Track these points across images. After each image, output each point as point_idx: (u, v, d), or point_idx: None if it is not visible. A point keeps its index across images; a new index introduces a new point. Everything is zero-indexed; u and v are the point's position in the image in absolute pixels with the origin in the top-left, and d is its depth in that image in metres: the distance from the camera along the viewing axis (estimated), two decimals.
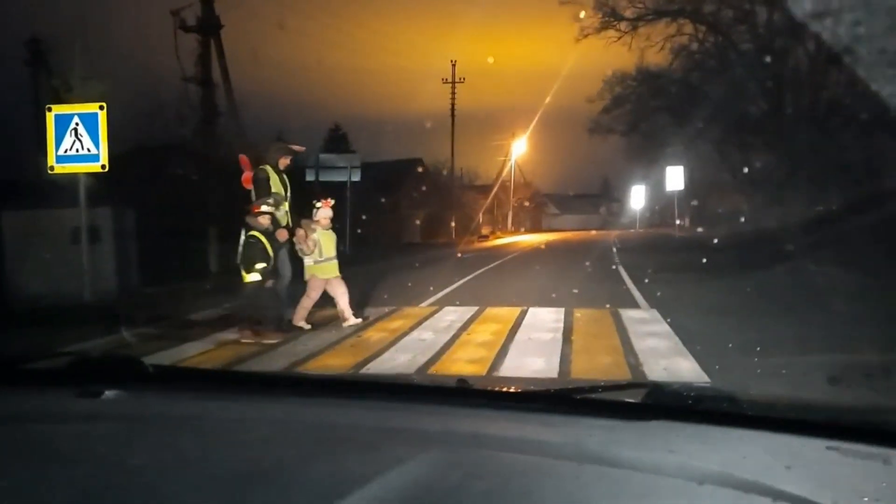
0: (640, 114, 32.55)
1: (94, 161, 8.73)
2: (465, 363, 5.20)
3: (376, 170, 27.83)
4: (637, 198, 50.76)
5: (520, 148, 48.14)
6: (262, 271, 6.19)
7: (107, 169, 8.75)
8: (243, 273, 6.27)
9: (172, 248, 12.41)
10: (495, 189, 45.23)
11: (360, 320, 6.94)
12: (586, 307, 7.87)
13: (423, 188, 34.37)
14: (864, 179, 22.11)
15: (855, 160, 24.18)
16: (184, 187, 16.54)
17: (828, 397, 3.90)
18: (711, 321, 6.66)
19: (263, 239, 6.23)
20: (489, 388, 1.51)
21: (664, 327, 6.44)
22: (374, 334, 6.42)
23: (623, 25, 27.58)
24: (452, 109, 39.69)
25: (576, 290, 9.47)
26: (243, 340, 6.11)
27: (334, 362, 5.40)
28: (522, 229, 52.77)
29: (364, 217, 19.71)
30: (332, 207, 6.99)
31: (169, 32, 17.03)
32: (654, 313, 7.29)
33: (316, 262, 6.82)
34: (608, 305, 7.85)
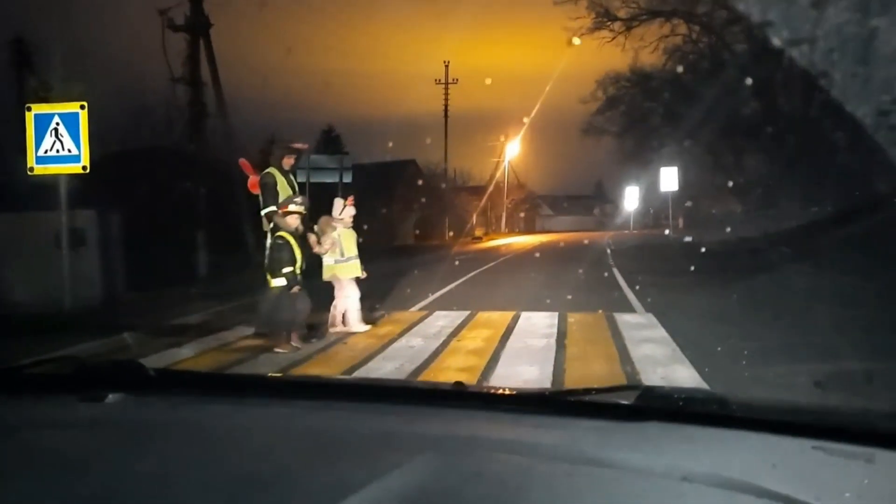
0: (633, 115, 32.47)
1: (74, 162, 8.48)
2: (454, 372, 5.00)
3: (369, 171, 27.61)
4: (631, 199, 50.64)
5: (513, 149, 47.96)
6: (288, 275, 5.79)
7: (87, 170, 8.50)
8: (268, 277, 5.91)
9: (160, 253, 12.18)
10: (489, 190, 45.06)
11: (368, 327, 6.70)
12: (580, 311, 7.69)
13: (417, 190, 34.15)
14: (857, 180, 22.04)
15: (848, 162, 24.13)
16: (172, 190, 16.29)
17: (815, 400, 3.93)
18: (709, 326, 6.48)
19: (292, 241, 5.86)
20: (485, 391, 1.62)
21: (661, 332, 6.26)
22: (361, 341, 6.21)
23: (616, 26, 27.48)
24: (446, 111, 39.58)
25: (569, 294, 9.28)
26: (277, 349, 5.74)
27: (317, 371, 5.18)
28: (516, 231, 52.62)
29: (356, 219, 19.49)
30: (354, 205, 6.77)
31: (156, 33, 16.70)
32: (650, 318, 7.11)
33: (337, 262, 6.55)
34: (603, 310, 7.66)
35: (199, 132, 17.55)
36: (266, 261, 5.98)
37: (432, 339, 6.27)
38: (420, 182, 35.84)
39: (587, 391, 1.36)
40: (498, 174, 48.16)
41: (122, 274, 10.97)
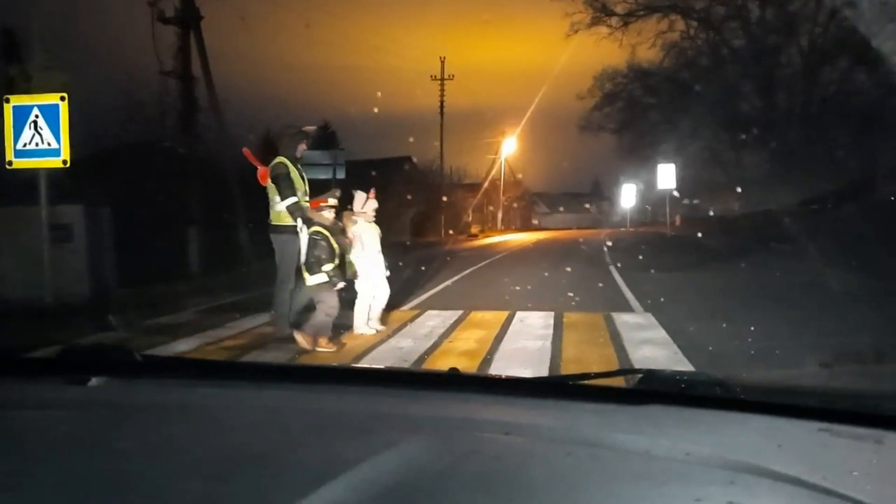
0: (631, 111, 32.25)
1: (54, 156, 8.18)
2: None
3: (364, 168, 27.28)
4: (627, 196, 50.47)
5: (510, 146, 47.70)
6: (329, 272, 5.45)
7: (68, 165, 8.20)
8: (305, 275, 5.57)
9: (152, 248, 11.94)
10: (485, 187, 44.80)
11: (383, 327, 6.38)
12: (577, 311, 7.44)
13: (412, 186, 33.86)
14: (856, 176, 21.88)
15: (847, 158, 23.96)
16: (163, 185, 16.03)
17: (820, 382, 3.79)
18: (711, 326, 6.23)
19: (330, 235, 5.52)
20: (481, 376, 1.63)
21: (661, 333, 6.03)
22: (348, 342, 5.93)
23: (614, 21, 27.27)
24: (441, 106, 39.23)
25: (566, 292, 9.03)
26: (318, 349, 5.41)
27: None
28: (512, 228, 52.39)
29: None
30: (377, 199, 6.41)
31: (146, 25, 16.39)
32: (650, 318, 6.87)
33: (359, 259, 6.15)
34: (600, 309, 7.42)
35: (190, 127, 17.28)
36: (302, 258, 5.57)
37: (422, 340, 6.02)
38: (415, 179, 35.57)
39: (587, 375, 1.33)
40: (494, 171, 47.95)
41: (113, 269, 10.77)
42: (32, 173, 8.45)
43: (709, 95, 25.11)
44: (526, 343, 5.76)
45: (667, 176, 28.24)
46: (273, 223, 5.98)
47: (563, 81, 64.20)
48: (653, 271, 11.59)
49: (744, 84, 26.69)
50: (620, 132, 33.56)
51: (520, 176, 54.73)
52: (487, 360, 5.21)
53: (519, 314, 7.18)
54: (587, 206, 70.40)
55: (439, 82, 39.29)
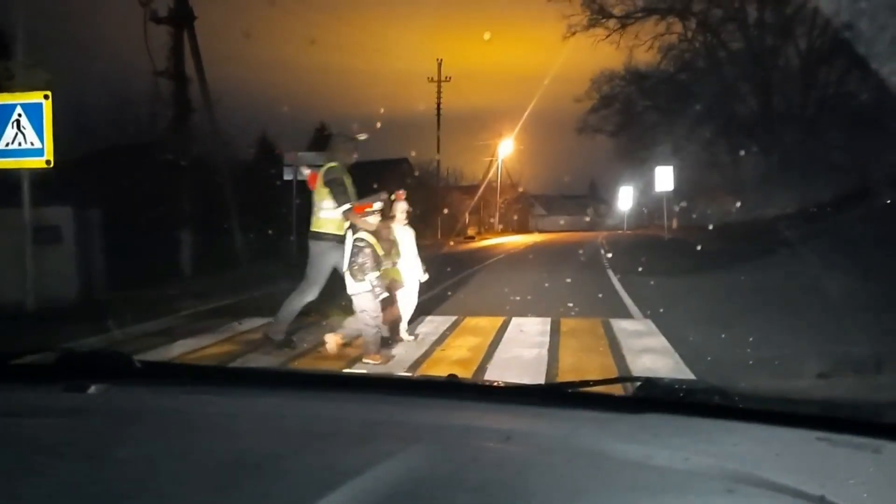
0: (628, 114, 32.13)
1: (37, 156, 7.94)
2: None
3: (361, 170, 27.02)
4: (625, 199, 50.23)
5: (507, 148, 47.56)
6: (374, 281, 5.15)
7: (52, 165, 7.96)
8: (348, 283, 5.28)
9: (144, 251, 11.75)
10: (482, 189, 44.61)
11: (414, 336, 6.15)
12: (575, 317, 7.24)
13: (409, 189, 33.64)
14: (854, 180, 21.77)
15: (845, 160, 23.83)
16: (156, 187, 15.84)
17: (819, 391, 3.75)
18: (714, 333, 6.02)
19: (375, 242, 5.24)
20: (480, 384, 1.59)
21: (661, 341, 5.83)
22: (336, 349, 5.72)
23: (611, 23, 27.14)
24: (438, 108, 39.04)
25: (563, 298, 8.83)
26: (366, 360, 5.17)
27: None
28: (509, 230, 52.20)
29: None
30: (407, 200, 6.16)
31: (139, 25, 16.17)
32: (649, 324, 6.67)
33: (395, 265, 5.84)
34: (599, 315, 7.22)
35: (183, 128, 17.09)
36: (345, 266, 5.28)
37: (414, 347, 5.81)
38: (412, 181, 35.37)
39: (586, 383, 1.32)
40: (491, 173, 47.79)
41: (103, 272, 10.57)
42: (18, 174, 8.24)
43: (706, 98, 24.98)
44: (521, 351, 5.56)
45: (664, 178, 28.05)
46: (315, 230, 5.71)
47: (560, 84, 64.26)
48: (651, 276, 11.39)
49: (741, 86, 26.60)
50: (617, 135, 33.49)
51: (520, 187, 54.58)
52: (481, 370, 5.01)
53: (514, 320, 6.98)
54: (584, 208, 70.23)
55: (436, 84, 39.13)
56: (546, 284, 10.97)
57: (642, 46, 29.04)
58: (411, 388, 1.48)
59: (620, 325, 6.65)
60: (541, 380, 4.65)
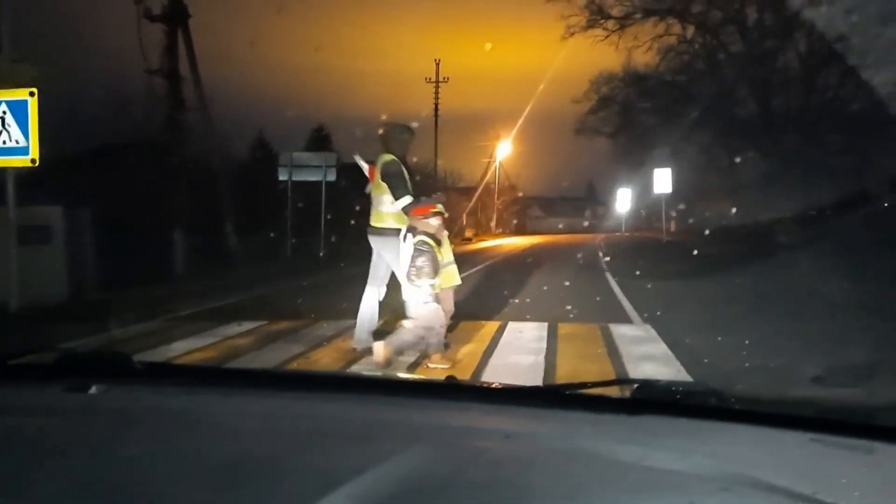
0: (626, 115, 32.00)
1: (22, 154, 7.75)
2: None
3: (358, 171, 26.88)
4: (623, 201, 50.08)
5: (504, 150, 47.37)
6: (434, 285, 4.96)
7: (37, 163, 7.77)
8: (404, 286, 5.09)
9: (137, 251, 11.57)
10: (479, 191, 44.44)
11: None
12: (572, 322, 7.06)
13: None
14: (852, 184, 21.68)
15: (844, 164, 23.74)
16: (149, 186, 15.66)
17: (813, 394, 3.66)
18: (715, 340, 5.86)
19: (436, 246, 5.02)
20: (478, 385, 1.65)
21: (661, 348, 5.66)
22: (324, 356, 5.52)
23: (610, 24, 26.98)
24: (436, 109, 38.86)
25: (561, 301, 8.65)
26: (430, 365, 4.99)
27: None
28: (507, 232, 52.03)
29: (339, 219, 18.85)
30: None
31: (133, 22, 15.99)
32: (649, 330, 6.49)
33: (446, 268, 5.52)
34: (597, 321, 7.04)
35: (177, 127, 16.91)
36: (405, 269, 5.07)
37: (405, 354, 5.61)
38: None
39: (584, 385, 1.32)
40: (489, 175, 47.63)
41: (94, 272, 10.41)
42: (3, 172, 8.05)
43: (705, 100, 24.87)
44: (518, 358, 5.38)
45: (663, 181, 27.91)
46: (375, 225, 5.55)
47: (558, 85, 63.90)
48: (650, 279, 11.22)
49: (740, 88, 26.47)
50: (616, 136, 33.36)
51: (518, 192, 54.41)
52: (476, 377, 4.82)
53: (511, 325, 6.80)
54: (582, 210, 70.13)
55: (434, 85, 38.97)
56: (544, 287, 10.80)
57: (641, 48, 28.90)
58: (411, 389, 1.49)
59: (619, 331, 6.48)
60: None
